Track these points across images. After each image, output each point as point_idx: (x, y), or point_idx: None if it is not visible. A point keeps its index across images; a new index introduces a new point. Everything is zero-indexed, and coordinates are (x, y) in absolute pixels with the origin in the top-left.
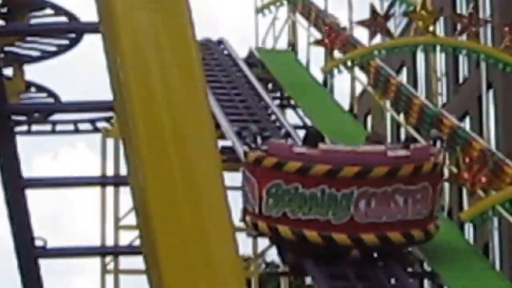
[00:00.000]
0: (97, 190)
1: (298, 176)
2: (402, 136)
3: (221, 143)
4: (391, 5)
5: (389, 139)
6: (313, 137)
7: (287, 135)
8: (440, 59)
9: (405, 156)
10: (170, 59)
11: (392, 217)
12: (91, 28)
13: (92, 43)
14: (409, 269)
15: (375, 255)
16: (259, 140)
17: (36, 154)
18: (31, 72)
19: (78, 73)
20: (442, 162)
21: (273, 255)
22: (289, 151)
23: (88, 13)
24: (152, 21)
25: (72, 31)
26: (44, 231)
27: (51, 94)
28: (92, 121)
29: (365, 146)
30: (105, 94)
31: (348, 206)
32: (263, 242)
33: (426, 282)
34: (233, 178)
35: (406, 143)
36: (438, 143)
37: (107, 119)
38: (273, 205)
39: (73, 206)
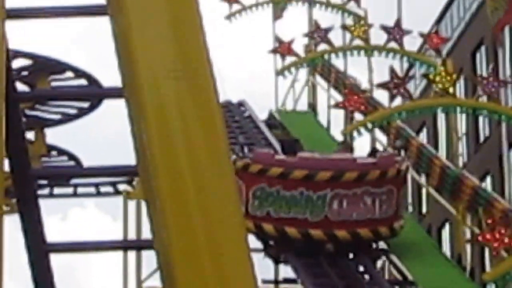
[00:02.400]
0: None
1: (280, 180)
2: (424, 199)
3: None
4: (410, 67)
5: (410, 201)
6: (290, 147)
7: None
8: (460, 119)
9: (372, 162)
10: (194, 125)
11: (362, 216)
12: (114, 93)
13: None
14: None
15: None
16: (246, 149)
17: (44, 214)
18: (53, 135)
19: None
20: (405, 169)
21: None
22: (272, 159)
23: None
24: (176, 88)
25: (95, 95)
26: None
27: (72, 157)
28: (113, 184)
29: (337, 154)
30: (127, 155)
31: (323, 206)
32: None
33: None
34: None
35: (373, 151)
36: (402, 153)
37: (129, 182)
38: (258, 205)
39: (95, 268)
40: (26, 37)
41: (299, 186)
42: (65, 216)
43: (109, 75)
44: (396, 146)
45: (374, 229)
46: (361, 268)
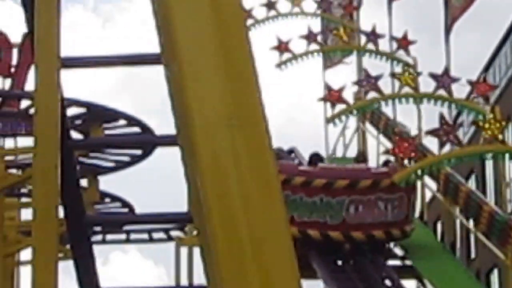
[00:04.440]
0: None
1: (302, 188)
2: (472, 242)
3: None
4: (458, 114)
5: (458, 246)
6: (315, 159)
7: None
8: (509, 166)
9: (385, 172)
10: (248, 171)
11: (375, 219)
12: (167, 141)
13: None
14: None
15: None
16: None
17: None
18: (106, 182)
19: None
20: (414, 184)
21: None
22: (295, 169)
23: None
24: (230, 135)
25: (149, 143)
26: None
27: (125, 204)
28: (166, 230)
29: (354, 164)
30: (178, 202)
31: (340, 210)
32: None
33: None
34: None
35: (386, 162)
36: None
37: (180, 228)
38: None
39: None
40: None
41: (319, 193)
42: (107, 261)
43: (150, 121)
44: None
45: (387, 231)
46: (384, 274)
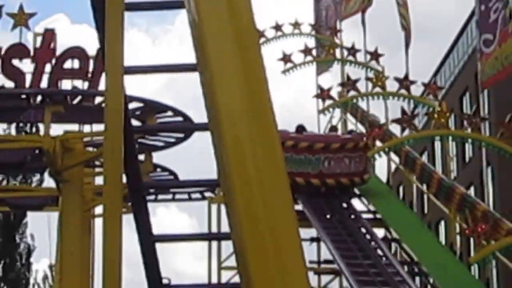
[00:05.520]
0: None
1: (292, 148)
2: (425, 201)
3: None
4: (415, 107)
5: (415, 207)
6: (300, 129)
7: None
8: (451, 145)
9: (349, 137)
10: (260, 149)
11: (343, 170)
12: (202, 127)
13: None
14: None
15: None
16: None
17: None
18: (157, 157)
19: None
20: (369, 142)
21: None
22: (287, 136)
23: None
24: (247, 123)
25: (189, 129)
26: (166, 273)
27: (171, 173)
28: (201, 192)
29: (327, 133)
30: (210, 171)
31: (318, 164)
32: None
33: None
34: None
35: (350, 131)
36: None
37: (212, 190)
38: None
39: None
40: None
41: (303, 152)
42: (154, 214)
43: (188, 112)
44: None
45: (351, 179)
46: (344, 205)
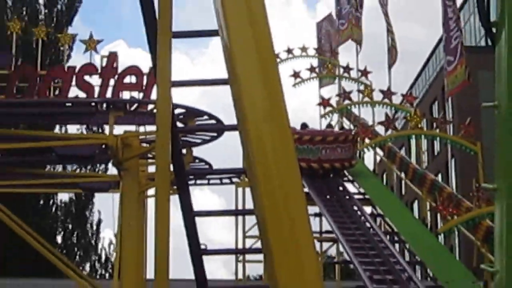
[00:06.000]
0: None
1: (297, 140)
2: (403, 185)
3: None
4: (395, 112)
5: (395, 190)
6: (303, 126)
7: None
8: (423, 142)
9: (341, 132)
10: (278, 143)
11: (336, 157)
12: (232, 127)
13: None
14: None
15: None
16: None
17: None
18: (196, 151)
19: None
20: (356, 136)
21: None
22: (294, 131)
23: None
24: (268, 125)
25: (220, 129)
26: (202, 240)
27: (207, 163)
28: (229, 178)
29: (324, 129)
30: (238, 162)
31: (317, 152)
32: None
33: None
34: None
35: (342, 127)
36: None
37: (238, 177)
38: None
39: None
40: (175, 95)
41: (306, 143)
42: (192, 195)
43: (220, 116)
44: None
45: (342, 163)
46: (341, 188)
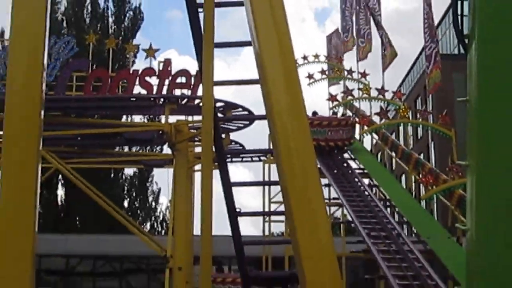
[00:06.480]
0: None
1: (309, 124)
2: (394, 162)
3: None
4: (388, 106)
5: (387, 166)
6: (314, 113)
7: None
8: (410, 129)
9: (343, 118)
10: (297, 131)
11: (339, 137)
12: (261, 117)
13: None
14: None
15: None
16: None
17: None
18: (232, 135)
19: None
20: (355, 121)
21: None
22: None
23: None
24: (290, 117)
25: (252, 118)
26: (237, 205)
27: (241, 145)
28: (258, 156)
29: (330, 115)
30: (264, 143)
31: (325, 133)
32: None
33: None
34: None
35: (343, 115)
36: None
37: (265, 155)
38: None
39: (247, 194)
40: (216, 91)
41: (316, 126)
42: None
43: (251, 108)
44: (346, 115)
45: (343, 142)
46: (345, 165)
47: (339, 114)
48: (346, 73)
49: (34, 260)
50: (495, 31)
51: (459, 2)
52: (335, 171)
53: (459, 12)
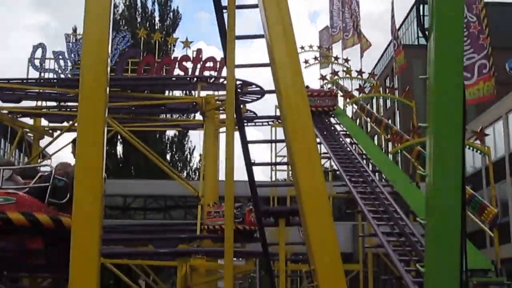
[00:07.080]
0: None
1: None
2: (369, 126)
3: None
4: (364, 83)
5: (364, 128)
6: (306, 87)
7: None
8: (381, 101)
9: (327, 90)
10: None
11: (325, 104)
12: (270, 91)
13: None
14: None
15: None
16: None
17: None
18: (248, 106)
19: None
20: (337, 92)
21: None
22: None
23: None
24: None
25: (262, 93)
26: (251, 157)
27: (254, 113)
28: (268, 121)
29: (319, 88)
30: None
31: (315, 101)
32: None
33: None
34: None
35: (328, 88)
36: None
37: (273, 121)
38: None
39: (259, 150)
40: (237, 73)
41: (308, 97)
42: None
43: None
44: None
45: (329, 108)
46: (332, 128)
47: (325, 88)
48: (333, 59)
49: (103, 197)
50: (446, 25)
51: (421, 6)
52: (325, 133)
53: (421, 13)
